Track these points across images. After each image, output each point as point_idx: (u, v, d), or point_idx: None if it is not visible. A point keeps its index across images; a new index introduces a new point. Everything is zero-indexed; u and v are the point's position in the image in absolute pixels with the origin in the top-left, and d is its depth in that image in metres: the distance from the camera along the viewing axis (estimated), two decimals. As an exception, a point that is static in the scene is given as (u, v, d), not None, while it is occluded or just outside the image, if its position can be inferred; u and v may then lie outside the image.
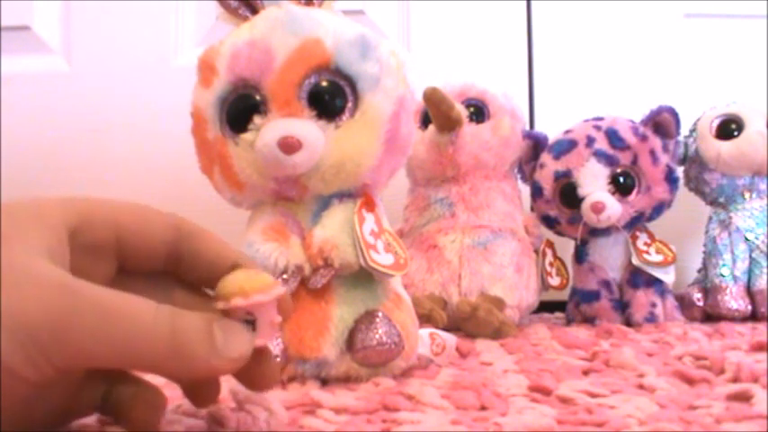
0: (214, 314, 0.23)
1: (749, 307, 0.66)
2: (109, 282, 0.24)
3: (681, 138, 0.70)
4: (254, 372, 0.25)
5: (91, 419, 0.27)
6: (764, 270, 0.67)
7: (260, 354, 0.24)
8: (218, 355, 0.22)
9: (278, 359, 0.37)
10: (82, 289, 0.21)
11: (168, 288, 0.26)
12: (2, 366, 0.19)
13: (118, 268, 0.25)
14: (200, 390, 0.26)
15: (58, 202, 0.23)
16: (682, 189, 0.70)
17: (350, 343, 0.38)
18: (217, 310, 0.23)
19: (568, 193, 0.66)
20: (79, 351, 0.20)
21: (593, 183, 0.65)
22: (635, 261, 0.65)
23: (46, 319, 0.20)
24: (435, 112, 0.63)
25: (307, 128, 0.38)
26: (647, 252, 0.65)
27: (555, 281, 0.68)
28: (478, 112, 0.67)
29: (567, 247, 0.72)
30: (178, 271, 0.26)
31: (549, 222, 0.70)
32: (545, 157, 0.69)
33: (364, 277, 0.39)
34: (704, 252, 0.72)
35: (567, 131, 0.69)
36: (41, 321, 0.20)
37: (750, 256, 0.68)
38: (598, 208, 0.63)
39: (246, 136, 0.39)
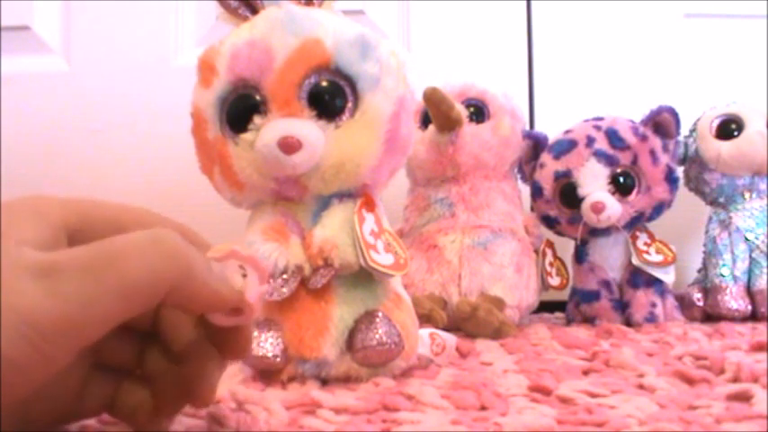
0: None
1: (749, 307, 0.66)
2: None
3: (681, 138, 0.70)
4: (230, 337, 0.25)
5: (91, 420, 0.27)
6: (764, 270, 0.67)
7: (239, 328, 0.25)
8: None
9: (277, 359, 0.38)
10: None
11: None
12: (5, 360, 0.19)
13: None
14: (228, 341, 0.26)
15: (58, 201, 0.23)
16: (682, 189, 0.70)
17: (350, 343, 0.38)
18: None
19: (568, 193, 0.66)
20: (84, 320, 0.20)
21: (593, 183, 0.65)
22: (635, 261, 0.65)
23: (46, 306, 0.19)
24: (435, 112, 0.63)
25: (307, 128, 0.38)
26: (647, 252, 0.65)
27: (555, 281, 0.68)
28: (478, 112, 0.67)
29: (567, 247, 0.72)
30: None
31: (549, 222, 0.70)
32: (545, 157, 0.69)
33: (364, 277, 0.39)
34: (704, 252, 0.72)
35: (567, 131, 0.69)
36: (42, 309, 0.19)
37: (750, 256, 0.68)
38: (598, 208, 0.63)
39: (246, 136, 0.39)
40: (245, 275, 0.24)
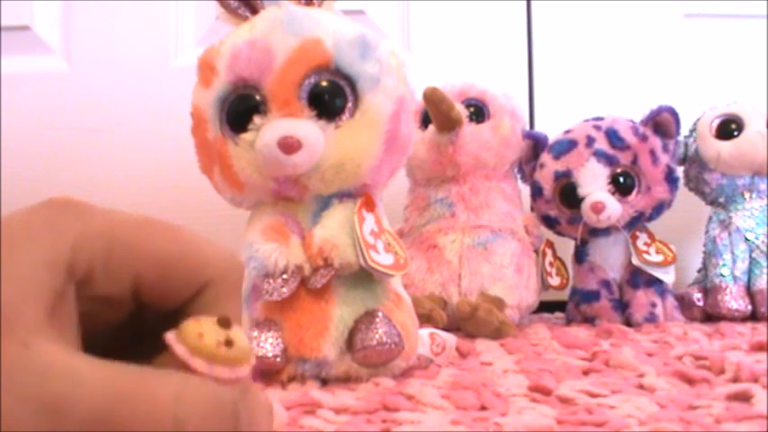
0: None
1: (749, 307, 0.66)
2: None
3: (681, 138, 0.70)
4: None
5: None
6: (764, 270, 0.67)
7: None
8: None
9: (278, 359, 0.38)
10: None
11: None
12: None
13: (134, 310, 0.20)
14: None
15: (82, 221, 0.18)
16: (682, 189, 0.70)
17: (350, 343, 0.38)
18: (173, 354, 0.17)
19: (568, 193, 0.66)
20: None
21: (593, 183, 0.65)
22: (635, 261, 0.65)
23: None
24: (435, 112, 0.63)
25: (307, 128, 0.38)
26: (647, 252, 0.65)
27: (555, 281, 0.68)
28: (478, 112, 0.67)
29: (567, 247, 0.72)
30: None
31: (549, 222, 0.70)
32: (545, 157, 0.69)
33: (364, 277, 0.39)
34: (704, 252, 0.72)
35: (567, 131, 0.69)
36: None
37: (750, 256, 0.68)
38: (598, 208, 0.63)
39: (246, 136, 0.39)
40: None
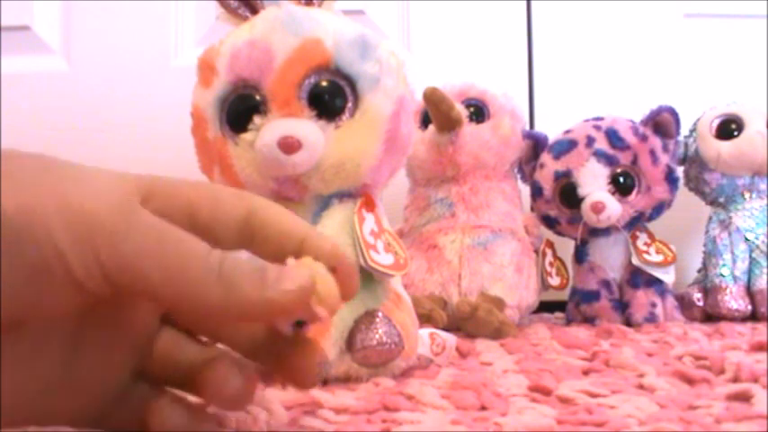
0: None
1: (749, 307, 0.66)
2: None
3: (681, 138, 0.70)
4: (298, 364, 0.24)
5: None
6: (764, 270, 0.67)
7: (305, 345, 0.24)
8: (273, 287, 0.20)
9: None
10: (143, 211, 0.20)
11: None
12: (55, 254, 0.18)
13: None
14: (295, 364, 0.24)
15: (130, 174, 0.22)
16: (682, 189, 0.70)
17: (350, 343, 0.38)
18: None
19: (568, 193, 0.66)
20: (132, 265, 0.19)
21: (593, 183, 0.65)
22: (635, 261, 0.65)
23: (106, 220, 0.19)
24: (435, 112, 0.63)
25: (307, 128, 0.38)
26: (647, 252, 0.65)
27: (555, 281, 0.68)
28: (478, 112, 0.67)
29: (567, 247, 0.72)
30: (250, 248, 0.24)
31: (549, 222, 0.70)
32: (545, 157, 0.69)
33: (364, 277, 0.39)
34: (704, 252, 0.72)
35: (567, 131, 0.69)
36: (101, 220, 0.19)
37: (750, 256, 0.68)
38: (598, 208, 0.63)
39: (246, 136, 0.39)
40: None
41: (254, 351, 0.25)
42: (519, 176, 0.73)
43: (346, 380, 0.38)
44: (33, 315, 0.20)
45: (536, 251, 0.68)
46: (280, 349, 0.24)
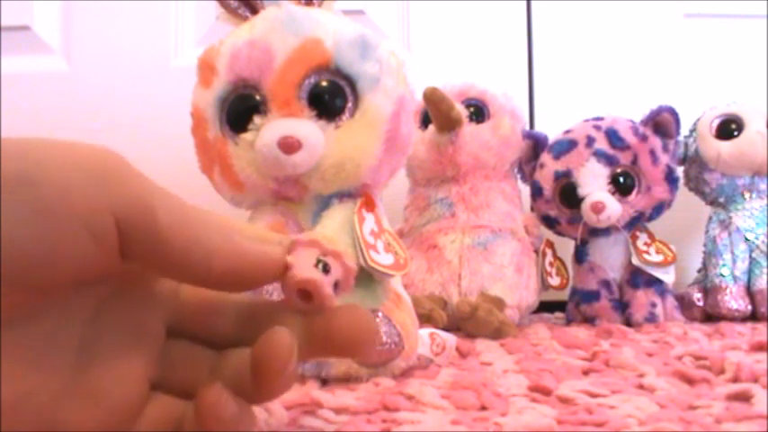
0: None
1: (749, 307, 0.66)
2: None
3: (681, 138, 0.70)
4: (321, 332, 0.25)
5: None
6: (764, 270, 0.67)
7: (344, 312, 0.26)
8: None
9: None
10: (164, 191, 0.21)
11: None
12: (59, 193, 0.18)
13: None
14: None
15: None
16: (682, 189, 0.70)
17: (350, 343, 0.38)
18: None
19: (568, 193, 0.66)
20: (140, 201, 0.20)
21: (593, 183, 0.65)
22: (635, 261, 0.65)
23: (111, 159, 0.20)
24: (435, 112, 0.63)
25: (307, 128, 0.38)
26: (647, 252, 0.65)
27: (555, 281, 0.68)
28: (478, 112, 0.67)
29: (567, 247, 0.72)
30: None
31: (549, 222, 0.70)
32: (545, 157, 0.69)
33: (364, 277, 0.39)
34: (704, 252, 0.72)
35: (567, 131, 0.69)
36: (106, 158, 0.20)
37: (750, 256, 0.68)
38: (598, 208, 0.63)
39: (246, 136, 0.39)
40: (327, 271, 0.24)
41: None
42: (519, 176, 0.73)
43: (346, 380, 0.38)
44: (43, 273, 0.18)
45: (536, 251, 0.68)
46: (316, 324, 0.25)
